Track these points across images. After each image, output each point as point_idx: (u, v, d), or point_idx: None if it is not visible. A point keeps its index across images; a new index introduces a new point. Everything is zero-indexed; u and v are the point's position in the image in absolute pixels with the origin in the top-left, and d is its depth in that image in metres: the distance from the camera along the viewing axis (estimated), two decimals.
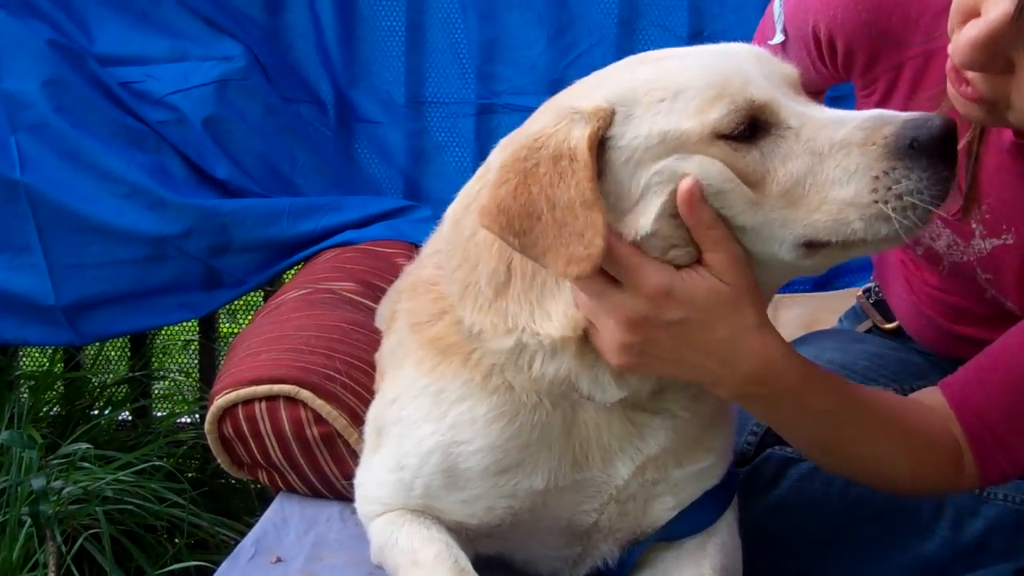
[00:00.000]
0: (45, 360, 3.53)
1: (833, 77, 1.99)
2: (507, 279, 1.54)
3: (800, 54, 1.98)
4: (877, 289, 2.42)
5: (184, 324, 3.59)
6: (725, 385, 1.53)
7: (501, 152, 1.53)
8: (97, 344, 3.43)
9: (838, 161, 1.40)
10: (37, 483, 2.76)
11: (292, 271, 3.14)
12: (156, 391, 3.63)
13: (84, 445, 2.97)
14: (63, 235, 2.95)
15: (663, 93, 1.44)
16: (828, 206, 1.40)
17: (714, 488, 1.69)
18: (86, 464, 2.99)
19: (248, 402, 2.16)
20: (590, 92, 1.50)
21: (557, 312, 1.51)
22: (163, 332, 3.67)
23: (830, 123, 1.43)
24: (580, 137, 1.40)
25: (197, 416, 3.43)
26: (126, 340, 3.52)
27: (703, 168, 1.41)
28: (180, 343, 3.68)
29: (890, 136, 1.38)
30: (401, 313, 1.78)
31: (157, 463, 3.05)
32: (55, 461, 2.96)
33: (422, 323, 1.67)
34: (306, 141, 3.24)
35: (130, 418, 3.45)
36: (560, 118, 1.44)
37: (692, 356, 1.50)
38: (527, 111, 3.32)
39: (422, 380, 1.66)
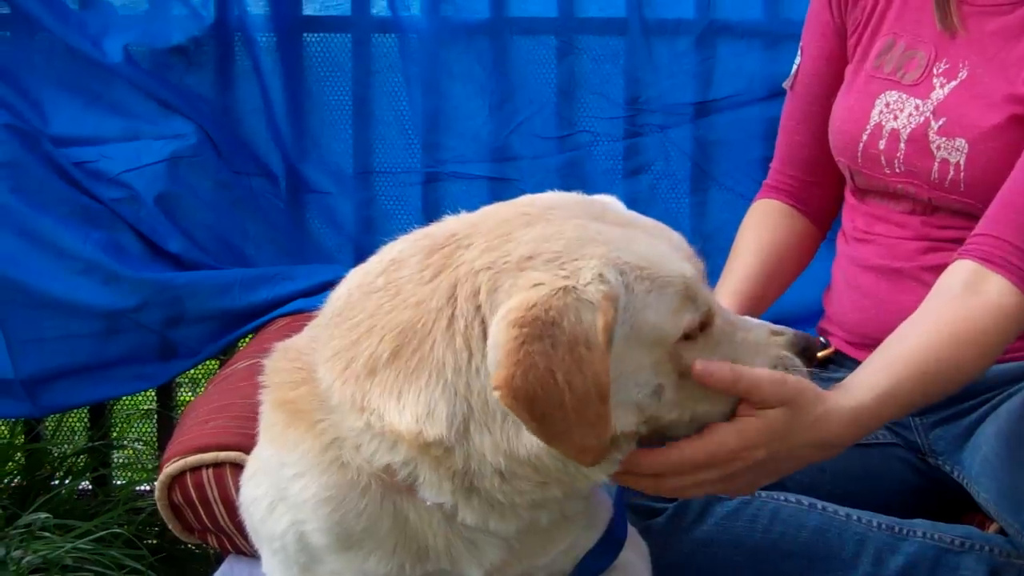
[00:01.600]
0: (6, 431, 3.59)
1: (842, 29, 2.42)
2: (387, 363, 1.47)
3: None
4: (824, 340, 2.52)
5: (143, 393, 3.65)
6: (835, 454, 1.75)
7: (502, 322, 1.41)
8: (57, 415, 3.49)
9: (754, 350, 1.60)
10: None
11: (246, 340, 3.22)
12: (116, 460, 3.69)
13: (43, 515, 3.02)
14: (21, 310, 3.03)
15: (650, 284, 1.47)
16: None
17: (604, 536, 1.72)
18: (46, 533, 3.05)
19: (196, 469, 2.24)
20: (577, 256, 1.45)
21: (413, 412, 1.45)
22: (122, 402, 3.73)
23: (744, 325, 1.64)
24: (594, 325, 1.39)
25: (155, 483, 3.49)
26: (85, 411, 3.58)
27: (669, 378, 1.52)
28: (139, 412, 3.75)
29: (789, 335, 1.65)
30: (265, 372, 1.72)
31: (116, 531, 3.10)
32: (14, 531, 3.01)
33: (281, 383, 1.64)
34: (258, 213, 3.33)
35: (90, 487, 3.50)
36: (563, 293, 1.40)
37: (789, 466, 1.69)
38: (472, 178, 3.45)
39: (266, 451, 1.65)
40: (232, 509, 2.21)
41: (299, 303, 3.12)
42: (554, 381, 1.37)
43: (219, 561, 3.20)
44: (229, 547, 2.27)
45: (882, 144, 2.27)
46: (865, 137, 2.30)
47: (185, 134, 3.22)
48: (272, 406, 1.65)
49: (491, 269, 1.45)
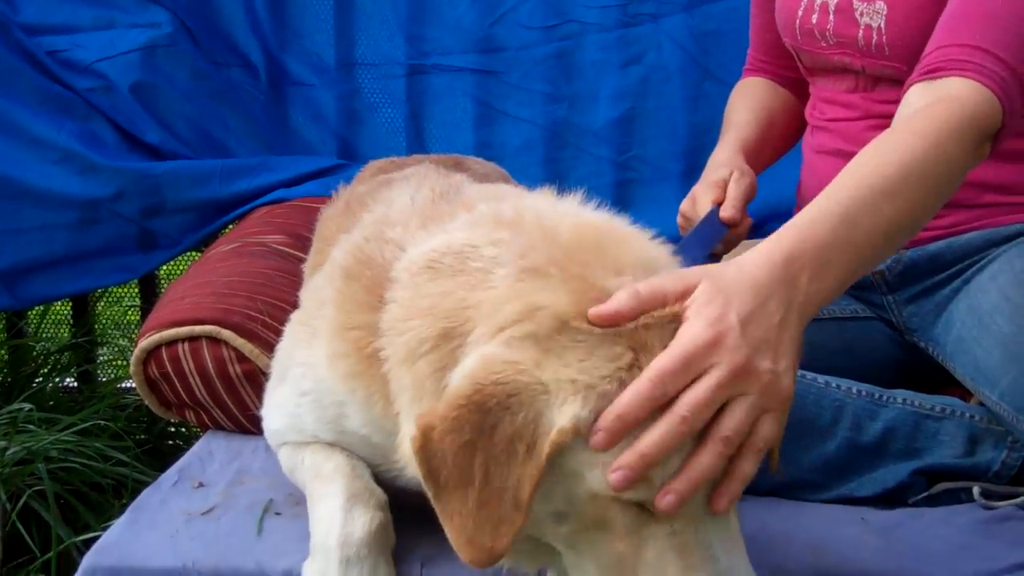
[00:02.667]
0: None
1: None
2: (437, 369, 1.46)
3: None
4: None
5: (127, 290, 3.64)
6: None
7: (466, 375, 1.38)
8: (40, 311, 3.47)
9: None
10: None
11: (226, 230, 3.19)
12: (100, 356, 3.68)
13: (27, 406, 3.02)
14: None
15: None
16: None
17: None
18: (30, 426, 3.05)
19: (171, 343, 2.22)
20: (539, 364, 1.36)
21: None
22: (105, 298, 3.71)
23: None
24: (547, 435, 1.32)
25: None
26: (68, 307, 3.57)
27: None
28: (123, 309, 3.73)
29: None
30: (338, 276, 1.76)
31: (101, 423, 3.10)
32: None
33: (349, 311, 1.67)
34: (238, 105, 3.29)
35: (74, 383, 3.50)
36: (540, 388, 1.34)
37: (771, 323, 1.46)
38: (456, 71, 3.40)
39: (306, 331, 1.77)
40: (210, 383, 2.21)
41: (280, 193, 3.10)
42: (471, 459, 1.32)
43: None
44: (208, 422, 2.26)
45: (814, 18, 2.30)
46: (800, 13, 2.33)
47: (160, 23, 3.17)
48: (332, 329, 1.70)
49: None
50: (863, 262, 1.67)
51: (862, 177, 1.68)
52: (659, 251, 1.57)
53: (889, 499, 2.00)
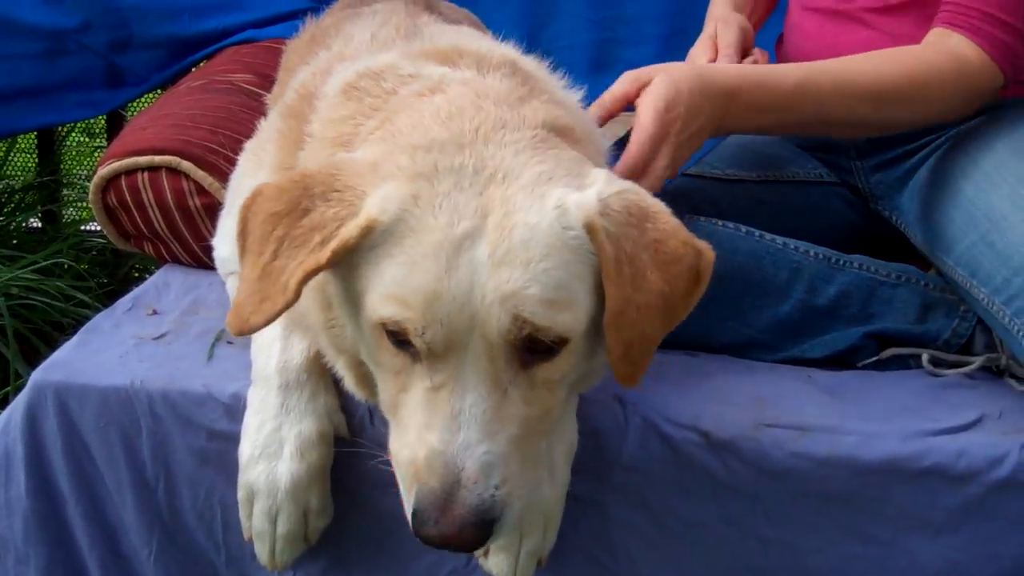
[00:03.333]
0: None
1: None
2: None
3: None
4: None
5: (93, 131, 3.59)
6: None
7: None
8: (4, 149, 3.42)
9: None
10: None
11: (194, 70, 3.13)
12: (65, 197, 3.64)
13: None
14: None
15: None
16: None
17: None
18: None
19: (131, 172, 2.19)
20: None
21: None
22: (71, 137, 3.66)
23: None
24: (340, 238, 1.35)
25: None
26: (34, 145, 3.51)
27: None
28: (88, 149, 3.68)
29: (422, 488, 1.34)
30: (283, 111, 1.79)
31: (65, 263, 3.09)
32: None
33: (286, 149, 1.69)
34: None
35: (38, 224, 3.47)
36: (353, 191, 1.37)
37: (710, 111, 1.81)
38: None
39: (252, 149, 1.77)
40: (168, 214, 2.19)
41: (249, 33, 3.04)
42: (271, 231, 1.36)
43: None
44: (166, 255, 2.24)
45: None
46: None
47: None
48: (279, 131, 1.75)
49: None
50: (788, 130, 2.08)
51: (848, 71, 1.93)
52: (568, 96, 1.68)
53: (839, 362, 2.02)
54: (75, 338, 1.86)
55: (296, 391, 1.61)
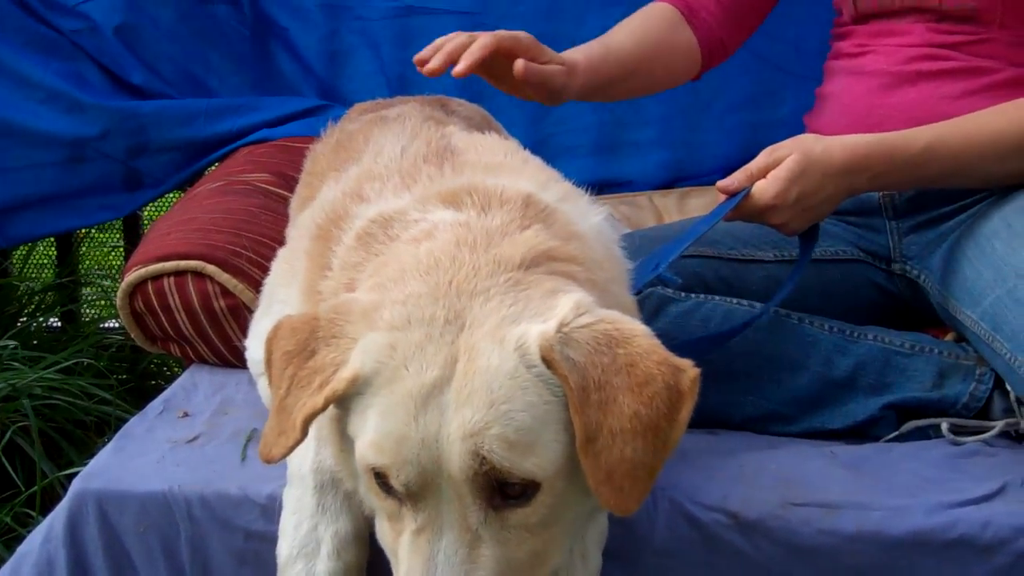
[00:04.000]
0: None
1: None
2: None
3: None
4: None
5: (110, 233, 3.65)
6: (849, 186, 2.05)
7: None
8: (24, 251, 3.49)
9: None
10: None
11: (210, 170, 3.20)
12: (84, 296, 3.70)
13: (12, 343, 3.04)
14: None
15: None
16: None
17: None
18: (14, 363, 3.07)
19: (157, 278, 2.25)
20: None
21: None
22: (89, 239, 3.73)
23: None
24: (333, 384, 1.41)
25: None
26: (53, 247, 3.58)
27: None
28: (106, 250, 3.75)
29: None
30: (312, 231, 1.83)
31: (86, 360, 3.13)
32: None
33: (314, 270, 1.74)
34: (221, 43, 3.28)
35: (58, 323, 3.52)
36: (350, 336, 1.43)
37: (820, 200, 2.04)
38: (439, 13, 3.38)
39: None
40: (194, 316, 2.24)
41: (264, 132, 3.12)
42: (284, 369, 1.45)
43: None
44: (192, 356, 2.29)
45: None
46: None
47: None
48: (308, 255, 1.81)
49: None
50: (909, 187, 2.24)
51: (973, 129, 2.08)
52: (590, 221, 1.73)
53: (859, 433, 2.06)
54: (111, 444, 1.90)
55: (331, 491, 1.64)
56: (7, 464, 2.86)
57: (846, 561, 1.73)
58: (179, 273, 2.24)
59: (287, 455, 1.44)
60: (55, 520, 1.76)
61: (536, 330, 1.38)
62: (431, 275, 1.46)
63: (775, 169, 2.00)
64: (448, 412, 1.34)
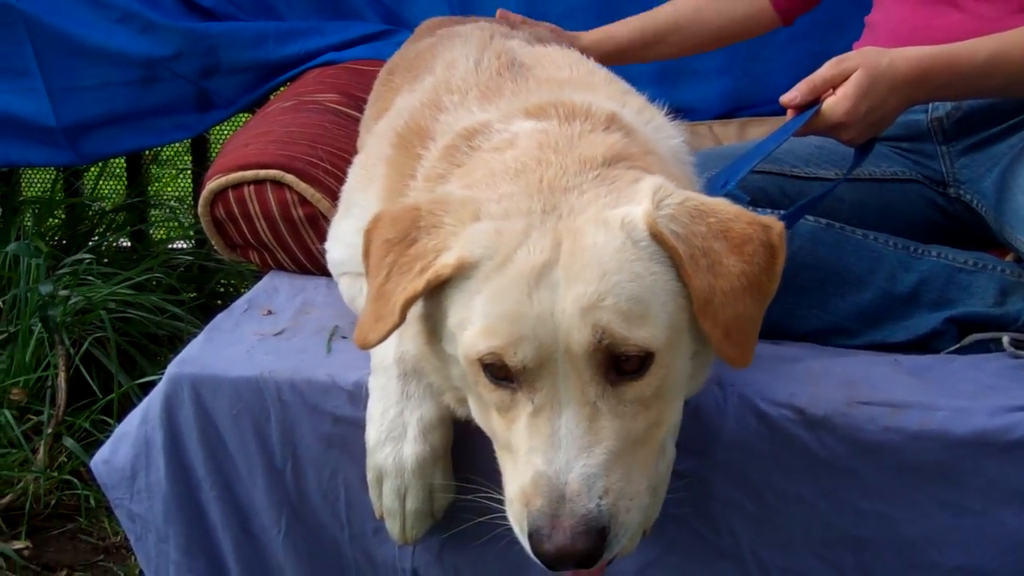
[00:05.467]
0: (47, 188, 3.69)
1: None
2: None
3: None
4: None
5: (179, 154, 3.73)
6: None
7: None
8: (95, 172, 3.58)
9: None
10: (45, 288, 2.94)
11: (278, 92, 3.27)
12: (153, 217, 3.79)
13: (88, 257, 3.14)
14: (60, 59, 3.08)
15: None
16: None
17: None
18: (89, 278, 3.17)
19: (237, 186, 2.32)
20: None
21: None
22: (158, 160, 3.81)
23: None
24: (434, 269, 1.47)
25: (192, 241, 3.61)
26: (123, 168, 3.66)
27: None
28: (174, 171, 3.83)
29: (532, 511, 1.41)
30: (392, 138, 1.89)
31: (157, 276, 3.23)
32: (60, 272, 3.14)
33: (395, 177, 1.80)
34: None
35: (128, 243, 3.62)
36: (449, 225, 1.49)
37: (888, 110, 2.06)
38: None
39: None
40: (273, 224, 2.31)
41: (330, 56, 3.18)
42: (384, 257, 1.51)
43: None
44: (271, 263, 2.37)
45: None
46: None
47: None
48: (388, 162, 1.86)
49: None
50: (970, 98, 2.27)
51: None
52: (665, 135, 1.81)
53: (920, 347, 2.10)
54: (201, 336, 1.98)
55: (414, 379, 1.71)
56: (85, 373, 2.97)
57: (909, 459, 1.79)
58: (259, 182, 2.31)
59: (384, 339, 1.51)
60: (152, 403, 1.85)
61: (639, 209, 1.46)
62: (521, 177, 1.54)
63: (843, 86, 2.02)
64: (560, 289, 1.41)
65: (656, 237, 1.44)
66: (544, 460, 1.40)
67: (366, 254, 1.56)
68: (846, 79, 2.03)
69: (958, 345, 2.09)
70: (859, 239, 2.15)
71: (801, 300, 2.10)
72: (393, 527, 1.71)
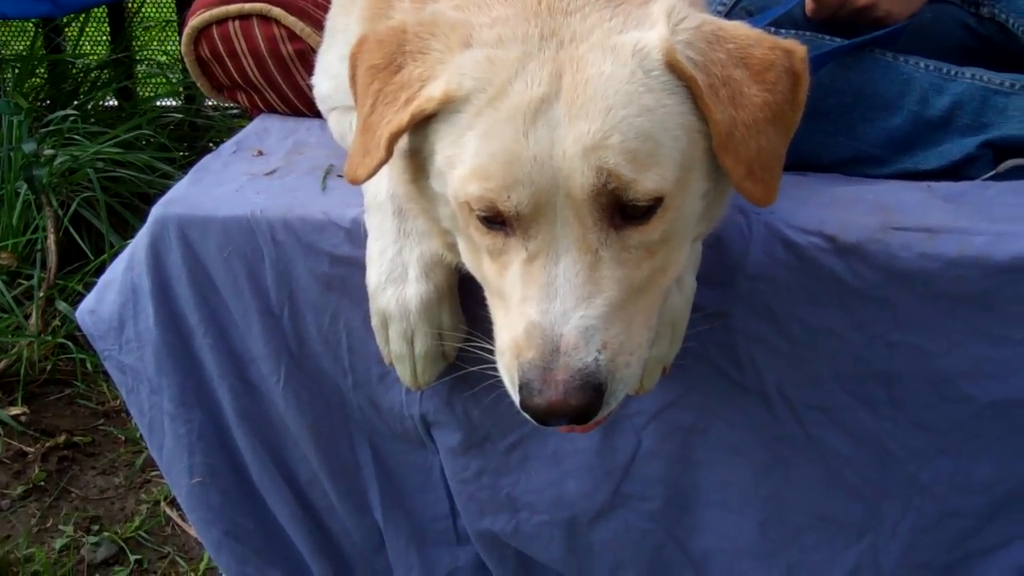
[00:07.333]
0: (27, 46, 3.52)
1: None
2: None
3: None
4: None
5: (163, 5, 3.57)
6: None
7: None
8: (77, 28, 3.41)
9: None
10: (28, 147, 2.82)
11: None
12: (139, 73, 3.64)
13: (73, 114, 3.01)
14: None
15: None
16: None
17: None
18: (75, 137, 3.04)
19: (221, 22, 2.18)
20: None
21: None
22: (141, 14, 3.64)
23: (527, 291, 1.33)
24: (420, 100, 1.33)
25: (182, 98, 3.46)
26: (106, 22, 3.50)
27: None
28: (160, 24, 3.66)
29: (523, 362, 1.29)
30: None
31: (147, 134, 3.10)
32: (44, 130, 3.01)
33: None
34: None
35: (114, 102, 3.48)
36: (437, 51, 1.36)
37: None
38: None
39: None
40: (261, 62, 2.17)
41: None
42: (369, 85, 1.38)
43: None
44: (260, 104, 2.24)
45: None
46: None
47: None
48: None
49: None
50: None
51: None
52: None
53: (953, 174, 1.97)
54: (187, 176, 1.86)
55: (411, 215, 1.60)
56: (75, 234, 2.87)
57: (946, 287, 1.68)
58: (244, 16, 2.17)
59: (372, 175, 1.38)
60: (137, 247, 1.74)
61: (654, 35, 1.31)
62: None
63: None
64: (560, 128, 1.27)
65: (672, 66, 1.30)
66: (538, 310, 1.28)
67: (352, 80, 1.43)
68: None
69: (994, 172, 1.96)
70: (888, 60, 2.01)
71: (827, 127, 1.97)
72: (404, 372, 1.62)
